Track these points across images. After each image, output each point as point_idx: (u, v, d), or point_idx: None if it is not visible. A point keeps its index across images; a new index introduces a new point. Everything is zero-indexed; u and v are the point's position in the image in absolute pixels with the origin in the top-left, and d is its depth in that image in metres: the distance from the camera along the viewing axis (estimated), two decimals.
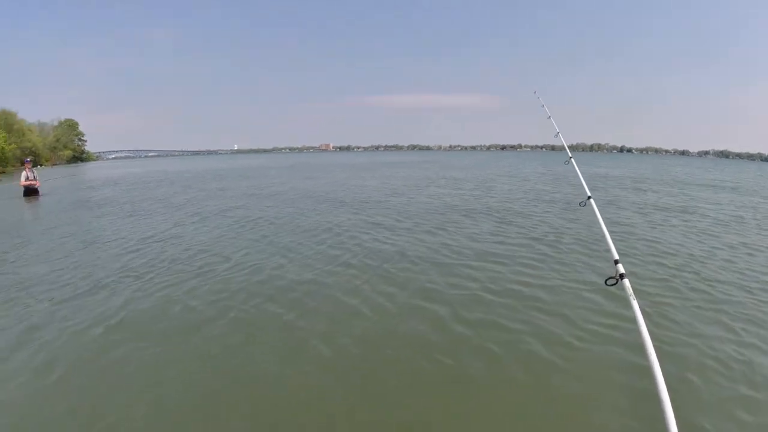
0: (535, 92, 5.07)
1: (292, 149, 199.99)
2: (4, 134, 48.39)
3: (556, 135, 4.18)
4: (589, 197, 2.92)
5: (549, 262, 6.28)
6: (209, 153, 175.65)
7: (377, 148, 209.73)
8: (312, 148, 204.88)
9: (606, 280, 2.01)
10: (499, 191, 15.91)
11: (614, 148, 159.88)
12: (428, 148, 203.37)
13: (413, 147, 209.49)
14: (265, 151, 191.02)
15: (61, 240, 8.37)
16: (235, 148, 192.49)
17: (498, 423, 2.84)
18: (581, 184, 3.26)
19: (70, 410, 2.96)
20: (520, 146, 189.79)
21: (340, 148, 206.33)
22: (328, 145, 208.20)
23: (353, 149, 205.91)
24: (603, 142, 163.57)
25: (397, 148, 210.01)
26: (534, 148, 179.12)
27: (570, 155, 3.69)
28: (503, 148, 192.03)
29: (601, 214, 2.60)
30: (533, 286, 5.27)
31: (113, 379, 3.33)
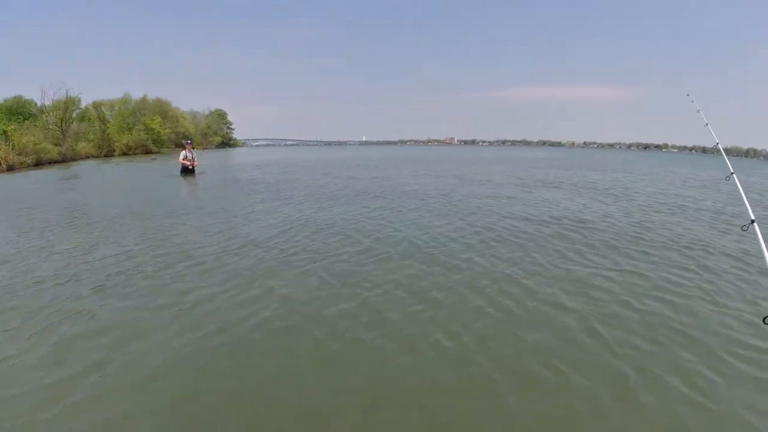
0: (688, 95, 4.61)
1: (416, 142, 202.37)
2: (159, 119, 56.19)
3: (715, 145, 3.79)
4: (753, 221, 2.64)
5: (697, 282, 5.70)
6: (339, 144, 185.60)
7: (503, 142, 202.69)
8: (436, 141, 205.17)
9: (764, 319, 1.84)
10: (642, 195, 14.56)
11: None
12: (559, 144, 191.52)
13: (543, 142, 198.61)
14: (390, 143, 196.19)
15: (219, 215, 9.65)
16: (363, 140, 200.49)
17: None
18: (743, 203, 2.96)
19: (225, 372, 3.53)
20: (666, 146, 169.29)
21: (465, 142, 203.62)
22: (452, 139, 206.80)
23: (478, 143, 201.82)
24: (759, 148, 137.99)
25: (525, 143, 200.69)
26: (681, 149, 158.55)
27: (732, 171, 3.33)
28: (646, 147, 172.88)
29: (766, 243, 2.35)
30: (676, 306, 4.86)
31: (256, 345, 3.89)
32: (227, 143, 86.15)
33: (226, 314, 4.44)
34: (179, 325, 4.20)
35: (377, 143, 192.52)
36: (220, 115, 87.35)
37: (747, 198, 2.99)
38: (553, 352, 3.76)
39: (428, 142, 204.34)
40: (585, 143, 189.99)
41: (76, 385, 3.17)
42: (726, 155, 3.71)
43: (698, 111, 4.20)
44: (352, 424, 2.87)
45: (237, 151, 69.88)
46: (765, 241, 2.37)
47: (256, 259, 6.36)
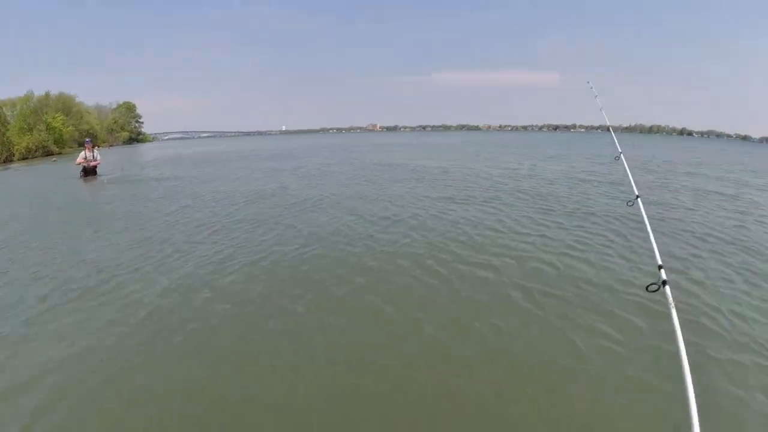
0: (588, 82, 4.96)
1: (339, 130, 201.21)
2: (61, 117, 51.53)
3: (608, 129, 4.11)
4: (638, 197, 2.90)
5: (587, 253, 6.18)
6: (259, 134, 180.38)
7: (424, 128, 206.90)
8: (359, 128, 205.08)
9: (648, 286, 2.01)
10: (547, 173, 15.53)
11: (674, 130, 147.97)
12: (477, 128, 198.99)
13: (462, 127, 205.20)
14: (312, 131, 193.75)
15: (127, 221, 8.92)
16: (283, 129, 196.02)
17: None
18: (631, 181, 3.23)
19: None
20: (574, 126, 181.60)
21: (387, 129, 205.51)
22: (375, 126, 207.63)
23: (400, 129, 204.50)
24: (663, 124, 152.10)
25: (445, 127, 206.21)
26: (589, 128, 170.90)
27: (620, 151, 3.62)
28: (556, 128, 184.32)
29: (647, 215, 2.59)
30: (580, 271, 5.25)
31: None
32: (136, 138, 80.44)
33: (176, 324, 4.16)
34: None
35: (298, 132, 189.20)
36: (128, 108, 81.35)
37: (635, 173, 3.27)
38: (491, 307, 4.20)
39: (351, 129, 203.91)
40: (501, 126, 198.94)
41: None
42: (628, 131, 4.00)
43: (596, 96, 4.53)
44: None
45: (146, 146, 65.62)
46: (647, 214, 2.62)
47: (178, 267, 5.92)
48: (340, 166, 19.51)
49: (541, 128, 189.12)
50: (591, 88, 4.79)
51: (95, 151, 17.55)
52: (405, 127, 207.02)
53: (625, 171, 3.25)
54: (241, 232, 7.45)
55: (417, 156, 25.67)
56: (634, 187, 3.00)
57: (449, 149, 33.17)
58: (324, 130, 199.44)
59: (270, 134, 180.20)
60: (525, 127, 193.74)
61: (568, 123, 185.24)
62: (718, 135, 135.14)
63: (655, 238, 2.42)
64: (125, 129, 77.84)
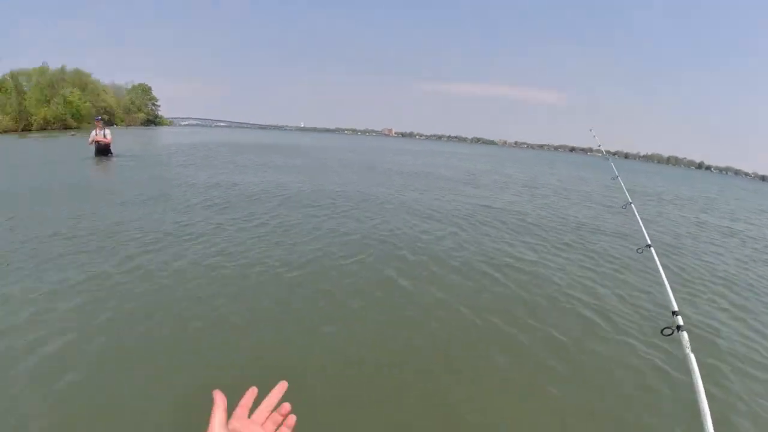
0: (591, 130, 5.12)
1: (354, 131, 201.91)
2: (78, 92, 52.10)
3: (614, 178, 4.12)
4: (649, 245, 2.81)
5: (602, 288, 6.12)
6: (275, 128, 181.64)
7: (440, 137, 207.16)
8: (374, 131, 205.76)
9: (662, 330, 1.94)
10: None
11: (692, 163, 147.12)
12: (492, 143, 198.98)
13: (477, 140, 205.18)
14: (328, 130, 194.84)
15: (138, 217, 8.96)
16: (301, 126, 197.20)
17: None
18: (643, 230, 3.16)
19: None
20: (590, 149, 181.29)
21: (402, 135, 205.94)
22: (390, 131, 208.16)
23: (415, 136, 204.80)
24: (681, 156, 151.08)
25: (460, 139, 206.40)
26: (606, 153, 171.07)
27: (630, 201, 3.56)
28: (572, 149, 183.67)
29: (660, 262, 2.50)
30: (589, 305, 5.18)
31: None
32: (153, 121, 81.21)
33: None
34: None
35: (315, 130, 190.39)
36: (144, 90, 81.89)
37: (645, 221, 3.21)
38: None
39: (366, 131, 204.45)
40: (516, 143, 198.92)
41: None
42: (645, 160, 3.99)
43: (599, 145, 4.58)
44: None
45: (164, 130, 65.97)
46: (660, 260, 2.55)
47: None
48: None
49: (556, 148, 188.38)
50: (594, 137, 4.86)
51: (106, 129, 16.69)
52: (420, 135, 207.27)
53: (637, 220, 3.19)
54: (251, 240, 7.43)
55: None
56: (647, 237, 2.91)
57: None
58: (339, 130, 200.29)
59: (286, 129, 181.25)
60: (541, 146, 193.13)
61: (584, 146, 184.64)
62: (736, 172, 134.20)
63: (669, 284, 2.26)
64: (142, 110, 78.48)
